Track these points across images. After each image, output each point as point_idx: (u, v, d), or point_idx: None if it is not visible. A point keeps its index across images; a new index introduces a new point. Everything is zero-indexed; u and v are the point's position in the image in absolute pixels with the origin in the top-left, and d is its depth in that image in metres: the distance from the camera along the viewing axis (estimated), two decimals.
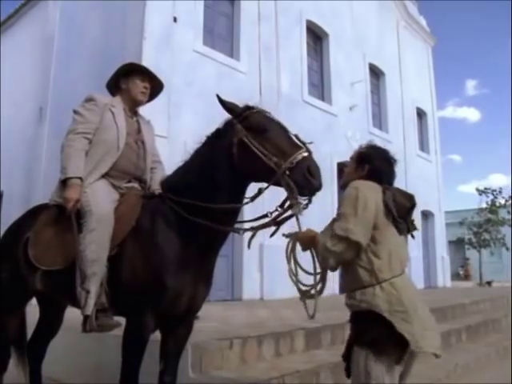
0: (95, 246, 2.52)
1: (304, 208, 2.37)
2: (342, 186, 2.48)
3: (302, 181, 2.28)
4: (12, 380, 3.21)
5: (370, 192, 2.25)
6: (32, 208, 3.20)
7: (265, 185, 2.48)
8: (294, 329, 4.55)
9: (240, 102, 9.42)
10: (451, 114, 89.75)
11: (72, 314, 2.88)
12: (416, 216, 10.51)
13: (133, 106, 3.10)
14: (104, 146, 2.85)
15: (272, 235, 2.57)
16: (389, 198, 2.26)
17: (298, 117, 10.50)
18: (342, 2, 12.69)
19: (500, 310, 9.33)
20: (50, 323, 3.34)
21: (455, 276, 24.92)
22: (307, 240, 2.36)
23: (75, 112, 2.95)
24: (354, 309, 2.27)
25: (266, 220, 2.52)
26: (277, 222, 2.49)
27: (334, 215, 3.44)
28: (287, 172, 2.28)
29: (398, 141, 14.46)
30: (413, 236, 2.43)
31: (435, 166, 16.83)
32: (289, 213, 2.44)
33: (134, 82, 3.05)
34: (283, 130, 2.48)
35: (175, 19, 8.38)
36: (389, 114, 14.40)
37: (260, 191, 2.52)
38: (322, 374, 3.81)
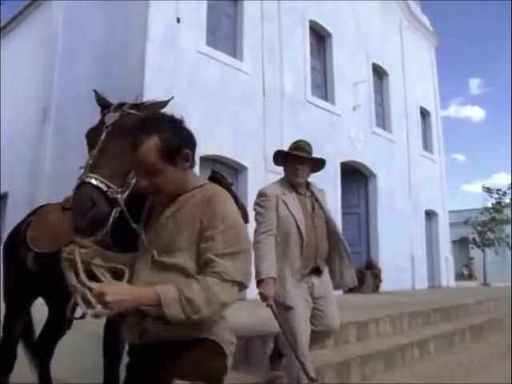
0: None
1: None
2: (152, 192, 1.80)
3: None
4: (17, 380, 3.23)
5: None
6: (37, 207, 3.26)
7: None
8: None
9: (244, 103, 9.49)
10: (455, 113, 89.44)
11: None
12: (420, 215, 10.53)
13: (295, 185, 3.42)
14: (289, 238, 3.24)
15: None
16: None
17: (302, 117, 10.53)
18: (344, 2, 12.68)
19: (504, 310, 9.32)
20: (58, 323, 3.37)
21: (459, 276, 24.89)
22: (133, 301, 1.52)
23: (255, 211, 3.33)
24: None
25: None
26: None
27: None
28: None
29: (401, 141, 14.46)
30: None
31: (439, 165, 16.80)
32: None
33: (287, 165, 3.44)
34: None
35: (178, 20, 8.40)
36: (392, 114, 14.38)
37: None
38: (326, 374, 3.83)
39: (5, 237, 3.31)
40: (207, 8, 9.03)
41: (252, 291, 9.50)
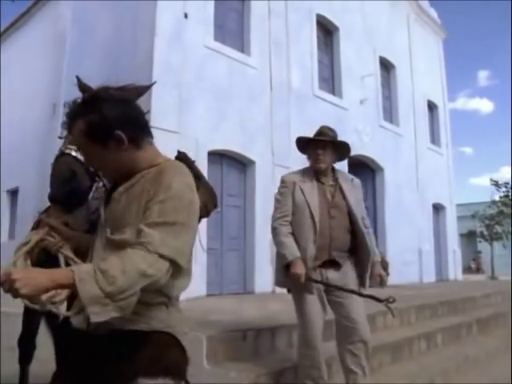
0: None
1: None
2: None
3: None
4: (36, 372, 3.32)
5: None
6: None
7: None
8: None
9: (251, 97, 9.50)
10: (463, 105, 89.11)
11: None
12: (427, 209, 10.52)
13: (319, 173, 3.32)
14: (302, 226, 3.19)
15: None
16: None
17: (309, 111, 10.55)
18: None
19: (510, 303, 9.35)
20: None
21: (467, 269, 24.87)
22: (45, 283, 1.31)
23: (274, 198, 3.38)
24: None
25: None
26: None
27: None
28: None
29: (408, 134, 14.45)
30: None
31: (446, 158, 16.76)
32: None
33: (309, 151, 3.35)
34: None
35: (186, 15, 8.44)
36: (399, 108, 14.36)
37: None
38: (333, 365, 3.89)
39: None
40: (214, 3, 9.07)
41: (260, 285, 9.52)
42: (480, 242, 26.32)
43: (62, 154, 2.08)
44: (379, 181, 13.17)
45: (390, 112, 14.17)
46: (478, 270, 28.93)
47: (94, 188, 2.03)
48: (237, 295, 8.31)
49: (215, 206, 2.21)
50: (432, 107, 16.60)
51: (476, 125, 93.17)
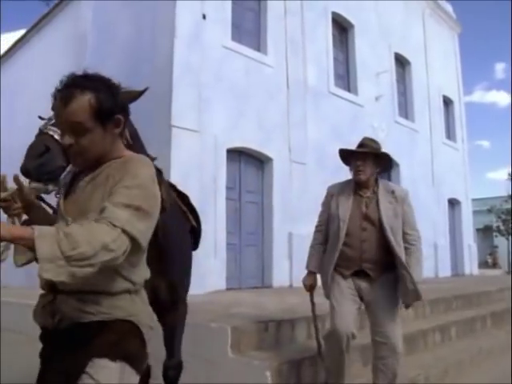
0: None
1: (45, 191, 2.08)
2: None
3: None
4: None
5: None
6: None
7: None
8: (325, 313, 4.80)
9: (268, 96, 9.67)
10: (479, 98, 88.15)
11: None
12: (443, 204, 10.59)
13: (359, 184, 3.33)
14: (331, 236, 3.34)
15: None
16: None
17: (325, 108, 10.70)
18: None
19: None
20: None
21: (483, 264, 24.80)
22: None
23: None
24: None
25: None
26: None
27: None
28: None
29: (424, 130, 14.52)
30: None
31: (462, 153, 16.78)
32: None
33: (351, 163, 3.34)
34: None
35: (204, 16, 8.63)
36: (415, 103, 14.43)
37: None
38: (351, 354, 4.08)
39: None
40: (232, 3, 9.26)
41: (278, 279, 9.70)
42: (496, 236, 26.22)
43: (40, 133, 2.12)
44: (395, 176, 13.24)
45: (405, 108, 14.24)
46: (495, 265, 28.79)
47: (67, 169, 1.99)
48: (255, 289, 8.52)
49: (170, 204, 2.25)
50: (447, 102, 16.61)
51: (493, 118, 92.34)
